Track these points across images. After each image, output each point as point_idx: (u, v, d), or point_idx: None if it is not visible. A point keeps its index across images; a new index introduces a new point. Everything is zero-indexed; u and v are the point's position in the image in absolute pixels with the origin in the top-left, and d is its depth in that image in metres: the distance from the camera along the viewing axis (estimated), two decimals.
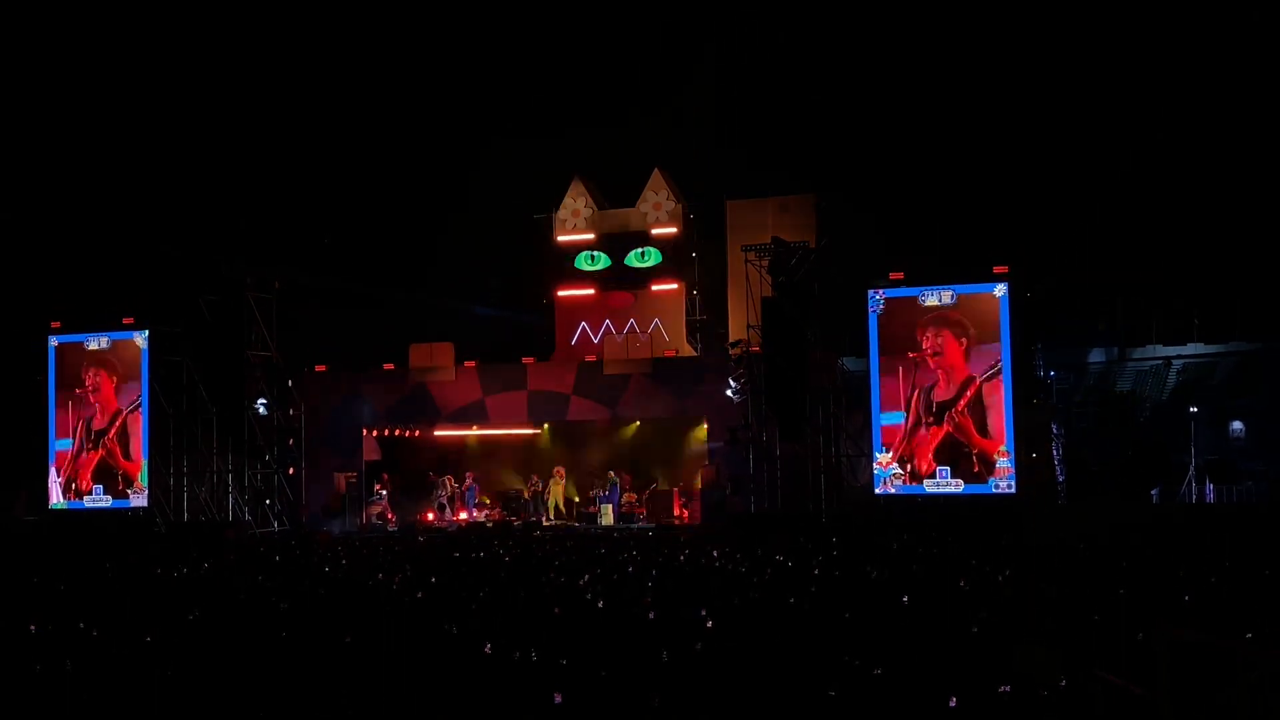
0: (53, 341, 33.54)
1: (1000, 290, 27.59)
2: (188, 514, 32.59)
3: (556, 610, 14.25)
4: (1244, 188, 35.89)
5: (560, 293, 35.26)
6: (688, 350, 33.90)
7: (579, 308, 35.02)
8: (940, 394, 27.91)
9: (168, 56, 39.92)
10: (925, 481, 27.86)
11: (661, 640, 11.96)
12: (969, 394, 27.69)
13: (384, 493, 34.28)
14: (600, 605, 14.74)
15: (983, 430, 27.54)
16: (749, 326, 30.52)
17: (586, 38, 39.97)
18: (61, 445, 33.21)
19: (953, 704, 9.53)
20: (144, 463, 32.37)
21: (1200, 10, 35.94)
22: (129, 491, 32.46)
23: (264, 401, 33.00)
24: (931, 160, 36.65)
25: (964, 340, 27.84)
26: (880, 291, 28.50)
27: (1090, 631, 12.25)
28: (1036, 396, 28.92)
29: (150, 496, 32.25)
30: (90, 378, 33.07)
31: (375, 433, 34.86)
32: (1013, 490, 27.17)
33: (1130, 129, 36.79)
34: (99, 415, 32.96)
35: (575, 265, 35.04)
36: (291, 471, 33.62)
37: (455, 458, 36.21)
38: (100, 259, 37.46)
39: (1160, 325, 36.01)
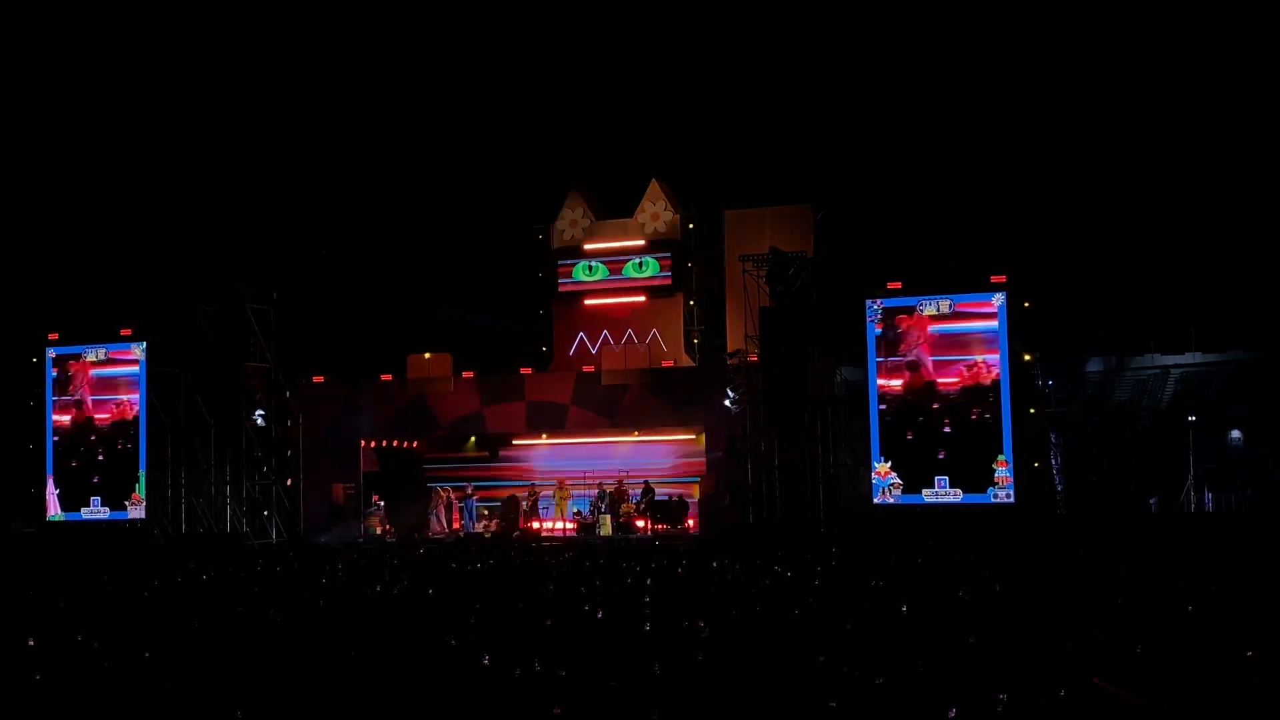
0: (50, 353, 33.50)
1: (998, 299, 27.60)
2: (186, 526, 32.55)
3: (549, 622, 14.22)
4: (1240, 196, 35.95)
5: (558, 303, 35.25)
6: (686, 360, 33.88)
7: (577, 318, 35.00)
8: (939, 403, 27.89)
9: (166, 64, 39.97)
10: (924, 491, 27.83)
11: (660, 652, 11.94)
12: (967, 403, 27.66)
13: (381, 504, 34.25)
14: (599, 616, 14.72)
15: (981, 440, 27.50)
16: (747, 336, 30.52)
17: (584, 49, 40.02)
18: (59, 457, 33.14)
19: (952, 714, 9.51)
20: (142, 475, 32.33)
21: (1195, 23, 36.01)
22: (127, 503, 32.40)
23: (262, 413, 32.99)
24: (929, 170, 36.67)
25: (962, 350, 27.82)
26: (878, 301, 28.50)
27: (1090, 641, 12.23)
28: (1035, 406, 28.91)
29: (148, 508, 32.19)
30: (88, 389, 33.05)
31: (373, 444, 34.84)
32: (1011, 500, 27.15)
33: (1127, 136, 36.85)
34: (96, 427, 32.91)
35: (573, 276, 35.04)
36: (290, 483, 33.58)
37: (454, 469, 36.13)
38: (98, 271, 37.47)
39: (1158, 334, 36.05)
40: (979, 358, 27.67)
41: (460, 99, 41.28)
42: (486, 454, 35.72)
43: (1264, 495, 29.77)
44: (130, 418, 32.62)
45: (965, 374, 27.77)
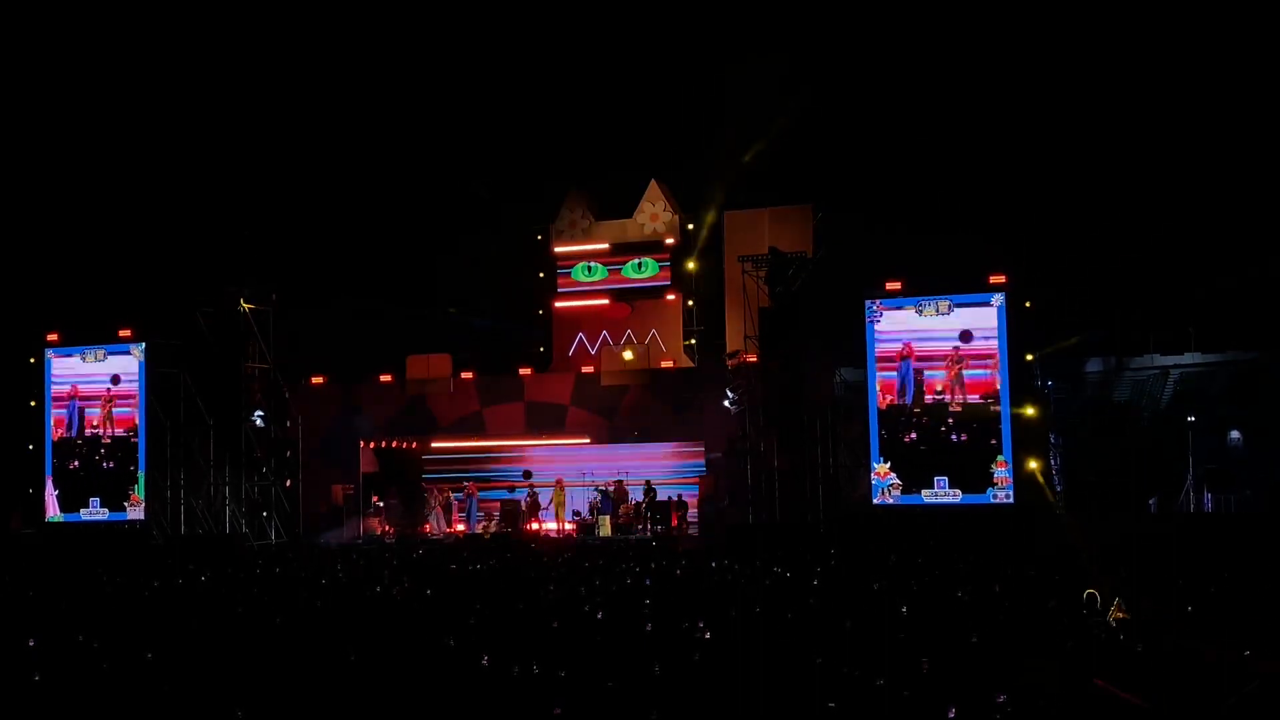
0: (49, 354, 33.47)
1: (998, 300, 27.57)
2: (185, 527, 32.52)
3: (555, 624, 14.22)
4: (1240, 196, 35.91)
5: (557, 304, 35.28)
6: (685, 361, 33.88)
7: (576, 319, 35.02)
8: (938, 404, 27.87)
9: (165, 65, 39.92)
10: (923, 492, 27.81)
11: (659, 652, 11.93)
12: (966, 403, 27.65)
13: (380, 504, 34.25)
14: (599, 617, 14.72)
15: (981, 440, 27.48)
16: (746, 337, 30.51)
17: (583, 49, 39.98)
18: (58, 458, 33.12)
19: (951, 715, 9.51)
20: (141, 476, 32.30)
21: (1195, 23, 35.98)
22: (126, 504, 32.38)
23: (261, 414, 32.96)
24: (929, 171, 36.64)
25: (961, 350, 27.80)
26: (877, 302, 28.46)
27: (1090, 641, 12.24)
28: (1034, 406, 28.89)
29: (147, 509, 32.17)
30: (87, 390, 33.02)
31: (372, 445, 34.83)
32: (1011, 500, 27.12)
33: (1127, 137, 36.82)
34: (95, 428, 32.89)
35: (572, 276, 35.05)
36: (289, 484, 33.56)
37: (453, 469, 36.12)
38: (97, 272, 37.42)
39: (1158, 334, 36.02)
40: (978, 358, 27.63)
41: (459, 99, 41.24)
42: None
43: (1263, 496, 29.75)
44: (129, 419, 32.59)
45: (964, 374, 27.73)
